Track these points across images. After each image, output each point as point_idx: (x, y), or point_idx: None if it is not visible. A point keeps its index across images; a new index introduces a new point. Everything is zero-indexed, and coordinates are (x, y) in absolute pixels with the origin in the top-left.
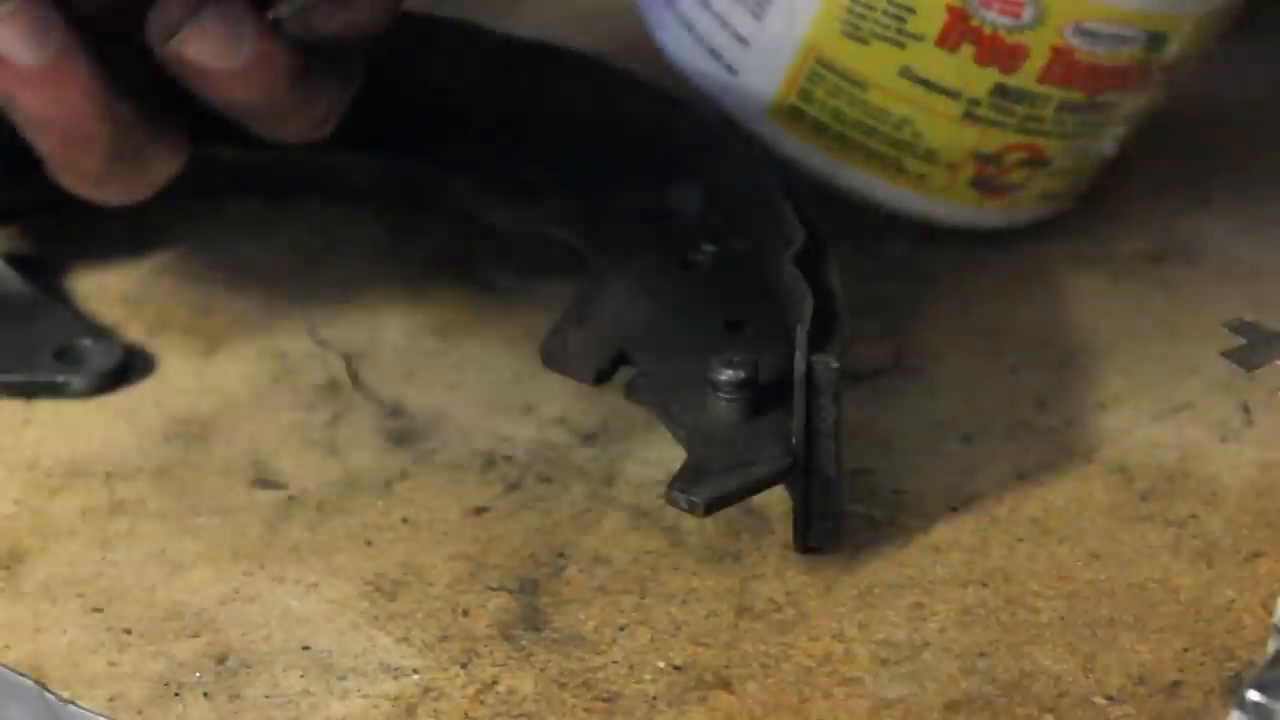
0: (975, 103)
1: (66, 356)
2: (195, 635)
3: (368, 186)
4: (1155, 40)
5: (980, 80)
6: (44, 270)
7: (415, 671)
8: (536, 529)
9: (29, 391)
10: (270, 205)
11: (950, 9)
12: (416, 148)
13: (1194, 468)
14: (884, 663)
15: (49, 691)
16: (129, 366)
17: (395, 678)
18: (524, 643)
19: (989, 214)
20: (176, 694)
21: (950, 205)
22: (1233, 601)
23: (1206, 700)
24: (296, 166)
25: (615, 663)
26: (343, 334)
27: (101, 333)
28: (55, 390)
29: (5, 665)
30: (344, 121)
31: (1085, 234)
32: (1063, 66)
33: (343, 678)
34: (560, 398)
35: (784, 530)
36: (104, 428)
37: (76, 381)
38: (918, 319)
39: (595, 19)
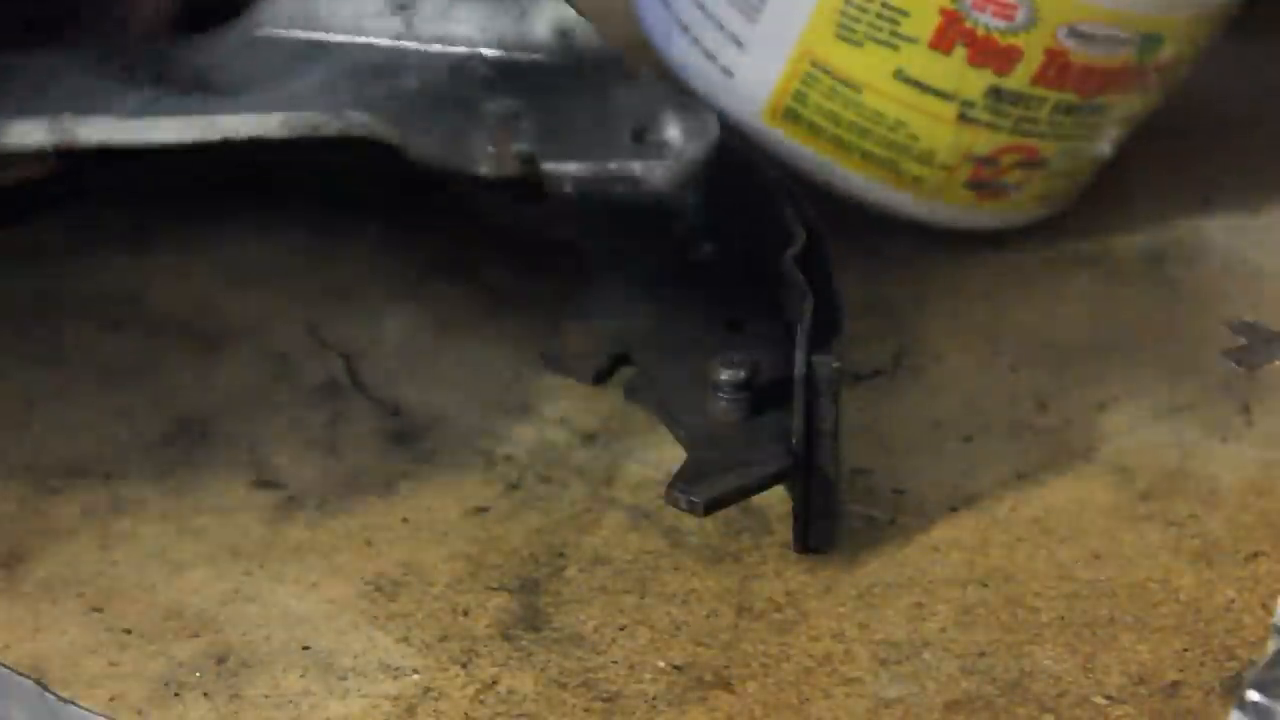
0: (970, 105)
1: (646, 138)
2: (195, 635)
3: (368, 186)
4: (1149, 42)
5: (974, 82)
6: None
7: (415, 671)
8: (536, 529)
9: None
10: (270, 205)
11: (943, 11)
12: None
13: (1194, 468)
14: (884, 663)
15: (49, 691)
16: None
17: (395, 678)
18: (524, 643)
19: (986, 215)
20: (176, 694)
21: (947, 207)
22: (1233, 601)
23: (1206, 700)
24: (297, 166)
25: (615, 663)
26: (343, 334)
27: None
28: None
29: (5, 665)
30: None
31: (1085, 234)
32: (1057, 68)
33: (343, 678)
34: (560, 398)
35: (784, 530)
36: (104, 428)
37: (659, 170)
38: (918, 319)
39: (595, 19)
